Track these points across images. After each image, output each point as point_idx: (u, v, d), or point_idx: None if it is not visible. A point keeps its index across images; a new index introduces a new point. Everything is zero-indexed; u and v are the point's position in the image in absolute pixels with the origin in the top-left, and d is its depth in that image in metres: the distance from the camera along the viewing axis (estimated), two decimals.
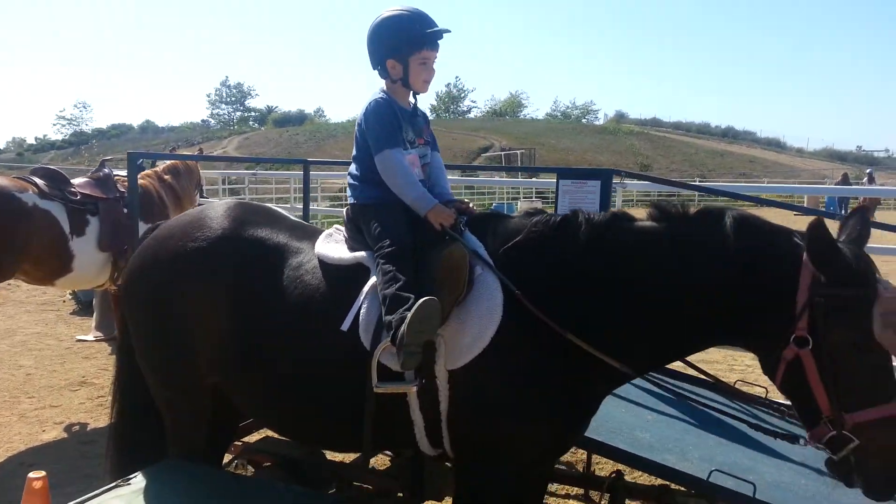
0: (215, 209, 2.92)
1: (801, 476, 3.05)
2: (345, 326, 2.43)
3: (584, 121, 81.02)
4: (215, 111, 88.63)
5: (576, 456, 4.58)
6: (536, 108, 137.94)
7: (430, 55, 2.66)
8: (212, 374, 2.74)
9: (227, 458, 3.65)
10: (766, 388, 4.34)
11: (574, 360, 2.31)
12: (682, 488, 3.34)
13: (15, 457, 4.73)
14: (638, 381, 3.83)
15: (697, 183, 19.81)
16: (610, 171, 4.22)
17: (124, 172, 6.33)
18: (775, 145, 67.04)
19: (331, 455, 3.79)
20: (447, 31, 2.66)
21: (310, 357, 2.53)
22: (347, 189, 2.75)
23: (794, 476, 3.04)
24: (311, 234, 2.79)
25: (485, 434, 2.38)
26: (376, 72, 2.75)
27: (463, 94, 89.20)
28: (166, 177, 6.35)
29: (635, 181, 6.08)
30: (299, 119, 75.24)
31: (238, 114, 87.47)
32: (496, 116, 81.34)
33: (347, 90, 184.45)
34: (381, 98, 2.69)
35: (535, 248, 2.41)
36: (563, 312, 2.29)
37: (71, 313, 9.25)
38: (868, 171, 30.90)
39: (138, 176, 6.29)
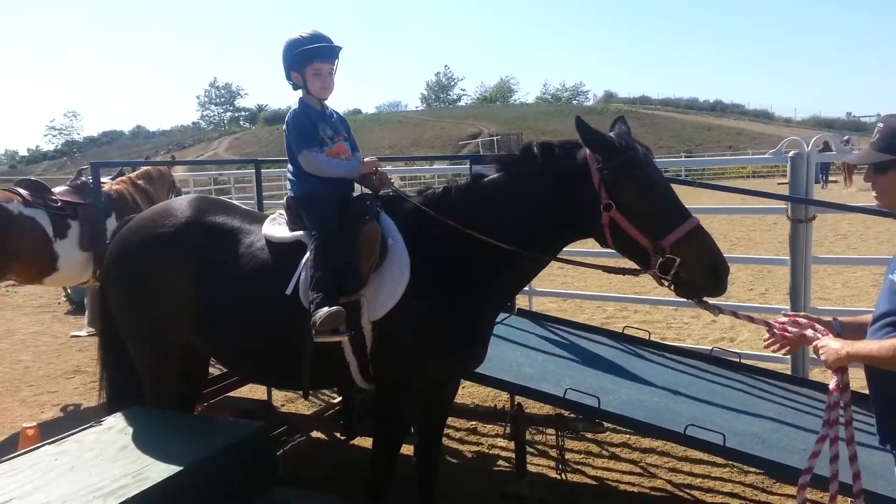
0: (178, 202, 3.55)
1: (654, 395, 3.71)
2: (288, 291, 3.06)
3: (574, 102, 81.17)
4: (205, 113, 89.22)
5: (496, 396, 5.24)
6: (527, 93, 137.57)
7: (322, 67, 3.23)
8: (184, 336, 3.37)
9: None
10: (648, 332, 5.01)
11: (464, 306, 2.99)
12: (574, 415, 4.01)
13: (17, 434, 5.41)
14: (536, 329, 4.51)
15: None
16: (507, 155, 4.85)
17: (105, 179, 6.99)
18: (763, 116, 67.50)
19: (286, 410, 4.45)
20: (336, 47, 3.27)
21: (263, 316, 3.15)
22: (288, 183, 3.37)
23: (648, 395, 3.70)
24: (259, 219, 3.41)
25: (399, 367, 3.06)
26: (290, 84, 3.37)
27: (452, 83, 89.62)
28: (140, 181, 7.00)
29: None
30: None
31: (228, 114, 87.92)
32: (486, 103, 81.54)
33: (339, 83, 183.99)
34: (296, 107, 3.28)
35: (425, 213, 3.07)
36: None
37: (66, 313, 9.91)
38: (845, 137, 31.41)
39: (115, 181, 6.97)
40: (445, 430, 5.29)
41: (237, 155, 47.41)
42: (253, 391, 5.53)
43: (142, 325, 3.42)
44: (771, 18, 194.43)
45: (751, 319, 2.82)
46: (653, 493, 4.24)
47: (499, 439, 4.99)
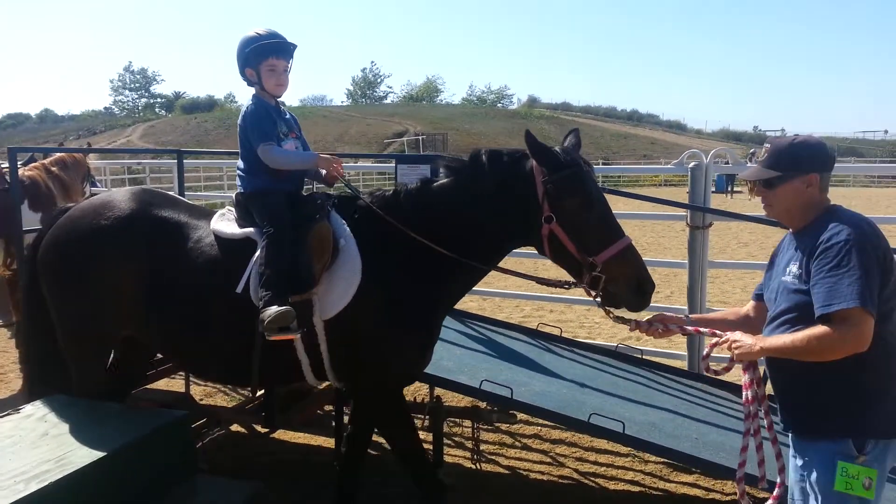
0: (122, 193, 3.44)
1: (563, 387, 3.97)
2: (239, 289, 3.05)
3: (498, 105, 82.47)
4: (118, 98, 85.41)
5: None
6: (453, 94, 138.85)
7: (277, 63, 3.24)
8: (125, 328, 3.32)
9: None
10: (560, 329, 5.31)
11: (414, 307, 3.06)
12: (490, 407, 4.22)
13: None
14: (456, 325, 4.69)
15: None
16: (438, 157, 5.04)
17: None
18: (676, 127, 70.72)
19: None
20: (292, 44, 3.29)
21: (211, 312, 3.13)
22: (237, 179, 3.33)
23: (557, 387, 3.96)
24: (207, 214, 3.37)
25: (355, 366, 3.12)
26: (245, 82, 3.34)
27: (379, 80, 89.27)
28: (53, 168, 6.78)
29: None
30: (208, 105, 73.42)
31: (143, 101, 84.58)
32: (412, 102, 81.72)
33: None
34: (253, 102, 3.29)
35: (375, 214, 3.13)
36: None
37: None
38: (751, 151, 33.31)
39: (27, 168, 6.72)
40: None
41: (152, 144, 45.63)
42: (172, 383, 5.48)
43: (79, 318, 3.34)
44: (690, 34, 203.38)
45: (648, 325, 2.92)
46: (560, 481, 4.51)
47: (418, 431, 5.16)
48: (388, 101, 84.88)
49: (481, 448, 4.73)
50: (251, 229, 3.16)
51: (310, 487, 4.20)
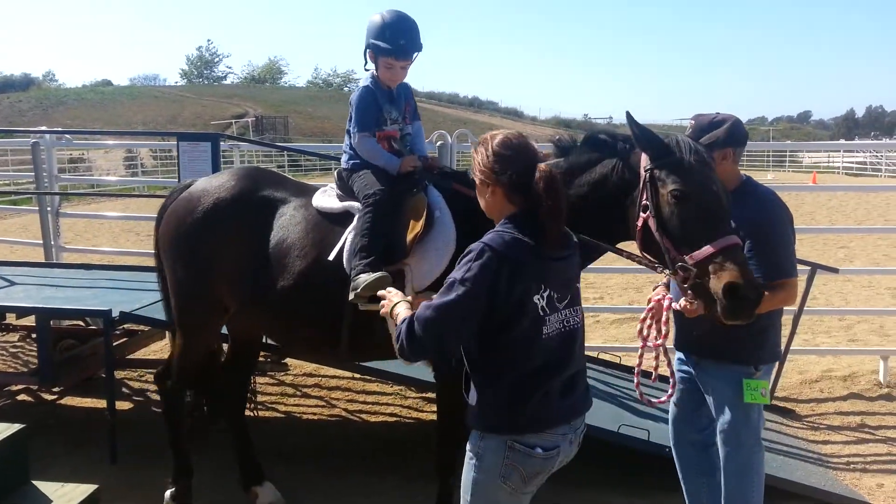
0: (235, 172, 3.58)
1: None
2: (331, 257, 3.10)
3: (345, 89, 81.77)
4: None
5: None
6: (297, 76, 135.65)
7: (395, 63, 3.22)
8: (231, 303, 3.43)
9: None
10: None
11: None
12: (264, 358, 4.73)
13: None
14: None
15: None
16: (217, 135, 5.49)
17: None
18: (514, 114, 74.04)
19: None
20: (409, 49, 3.19)
21: (306, 282, 3.18)
22: (343, 155, 3.38)
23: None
24: (309, 191, 3.46)
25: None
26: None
27: (217, 59, 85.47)
28: None
29: (243, 143, 7.59)
30: (24, 84, 67.01)
31: None
32: (254, 83, 79.15)
33: (85, 50, 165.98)
34: (366, 85, 3.29)
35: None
36: None
37: None
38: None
39: None
40: (132, 381, 5.77)
41: None
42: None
43: (189, 292, 3.48)
44: (532, 23, 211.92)
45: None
46: (330, 418, 5.18)
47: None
48: (228, 81, 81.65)
49: (261, 399, 5.28)
50: (351, 202, 3.22)
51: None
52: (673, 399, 3.26)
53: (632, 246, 2.81)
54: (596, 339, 6.99)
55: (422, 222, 3.03)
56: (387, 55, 3.19)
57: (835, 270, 5.25)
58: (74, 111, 48.34)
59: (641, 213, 2.60)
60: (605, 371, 5.24)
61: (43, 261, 6.29)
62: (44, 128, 9.51)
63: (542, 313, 2.11)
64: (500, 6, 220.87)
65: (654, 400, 3.11)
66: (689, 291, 2.52)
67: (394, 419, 5.16)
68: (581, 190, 2.81)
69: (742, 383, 2.98)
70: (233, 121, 45.00)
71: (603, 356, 5.59)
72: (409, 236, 3.02)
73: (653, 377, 3.15)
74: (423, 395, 5.29)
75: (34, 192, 6.69)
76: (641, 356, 3.14)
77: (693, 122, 2.99)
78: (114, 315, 4.20)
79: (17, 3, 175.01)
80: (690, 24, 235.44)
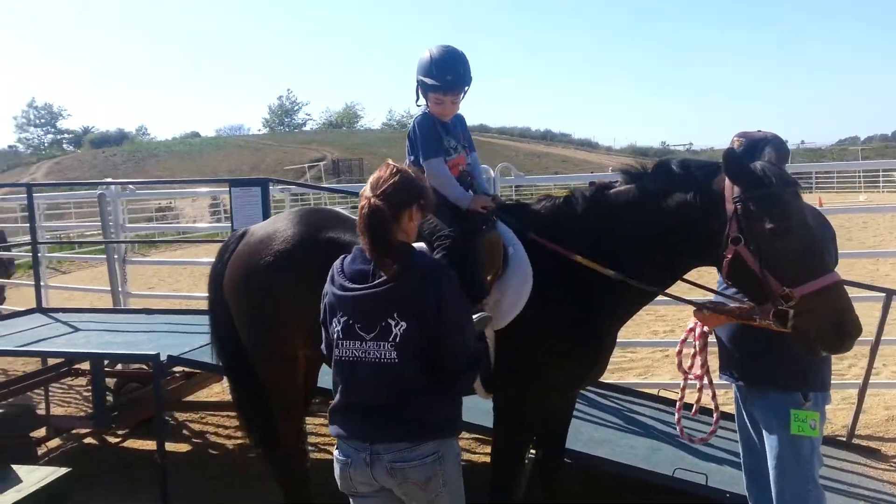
0: (291, 217, 3.46)
1: None
2: None
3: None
4: (23, 135, 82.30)
5: None
6: (373, 119, 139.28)
7: (444, 98, 3.19)
8: (304, 349, 3.35)
9: None
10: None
11: (585, 319, 2.92)
12: None
13: None
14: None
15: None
16: (267, 180, 5.64)
17: None
18: (587, 145, 73.36)
19: None
20: (462, 83, 3.18)
21: None
22: None
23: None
24: None
25: (519, 378, 3.00)
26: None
27: (297, 107, 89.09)
28: None
29: (291, 186, 7.88)
30: (118, 139, 71.69)
31: (50, 136, 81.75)
32: (332, 128, 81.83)
33: (175, 104, 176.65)
34: (424, 114, 3.26)
35: (550, 220, 3.07)
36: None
37: None
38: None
39: None
40: (193, 422, 5.84)
41: (57, 181, 44.34)
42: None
43: (261, 341, 3.41)
44: (597, 51, 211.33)
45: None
46: None
47: None
48: (308, 128, 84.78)
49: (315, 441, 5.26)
50: (420, 244, 3.04)
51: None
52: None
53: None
54: (664, 374, 6.66)
55: (500, 260, 2.98)
56: (435, 91, 3.19)
57: None
58: (164, 163, 51.24)
59: (732, 245, 2.56)
60: (665, 410, 4.95)
61: (110, 307, 6.57)
62: (109, 179, 10.02)
63: (335, 337, 2.39)
64: (568, 37, 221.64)
65: (695, 437, 2.93)
66: (787, 331, 2.50)
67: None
68: (656, 216, 2.78)
69: (790, 414, 2.77)
70: (307, 165, 46.57)
71: (665, 393, 5.30)
72: (489, 275, 2.95)
73: (693, 410, 2.96)
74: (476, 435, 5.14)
75: (107, 241, 7.00)
76: (684, 388, 2.97)
77: (740, 139, 2.90)
78: (162, 358, 4.30)
79: (110, 62, 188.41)
80: (768, 48, 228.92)
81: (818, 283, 2.42)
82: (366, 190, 2.44)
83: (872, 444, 4.92)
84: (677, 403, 2.94)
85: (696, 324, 2.84)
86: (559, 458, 3.50)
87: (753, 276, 2.55)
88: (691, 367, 2.94)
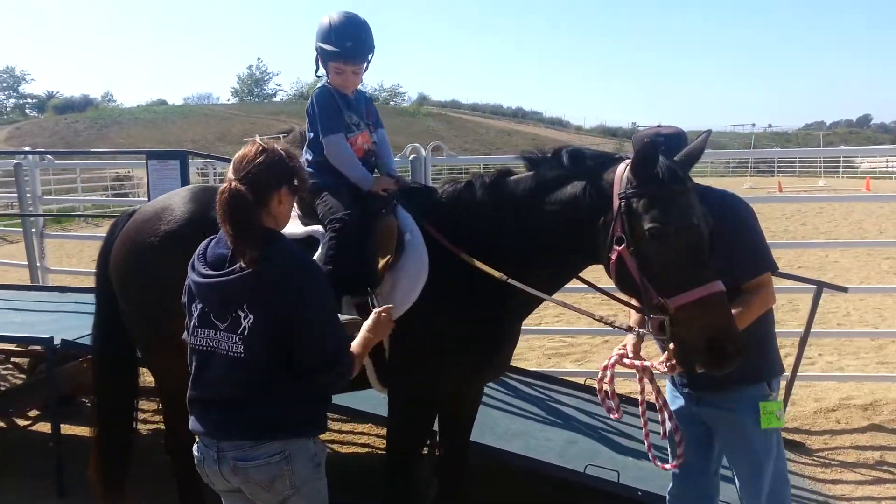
0: (182, 195, 3.19)
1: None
2: None
3: (390, 104, 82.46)
4: None
5: None
6: None
7: (345, 67, 3.00)
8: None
9: None
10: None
11: (486, 305, 2.75)
12: None
13: None
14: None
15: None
16: (185, 153, 5.37)
17: None
18: (558, 124, 73.27)
19: None
20: (357, 53, 2.98)
21: None
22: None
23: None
24: None
25: (413, 372, 2.85)
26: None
27: (267, 77, 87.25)
28: None
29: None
30: (83, 105, 69.60)
31: (12, 101, 79.14)
32: (303, 100, 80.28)
33: (143, 71, 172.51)
34: (322, 86, 3.07)
35: (449, 208, 2.88)
36: (470, 249, 2.73)
37: None
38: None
39: None
40: None
41: (16, 147, 42.98)
42: None
43: (147, 323, 3.16)
44: (571, 31, 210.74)
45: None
46: None
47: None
48: (278, 99, 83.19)
49: None
50: (315, 227, 2.96)
51: None
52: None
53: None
54: (601, 361, 6.54)
55: (393, 247, 2.79)
56: (335, 59, 3.01)
57: (843, 289, 4.75)
58: (128, 130, 49.87)
59: (615, 246, 2.33)
60: (589, 399, 4.82)
61: (27, 283, 6.25)
62: (27, 148, 9.61)
63: (192, 324, 2.25)
64: (542, 17, 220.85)
65: (667, 466, 2.72)
66: (671, 346, 2.29)
67: (365, 450, 4.88)
68: (551, 208, 2.60)
69: (758, 407, 2.56)
70: (274, 136, 45.72)
71: (591, 382, 5.18)
72: (381, 263, 2.76)
73: (662, 433, 2.66)
74: None
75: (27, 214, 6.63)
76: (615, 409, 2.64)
77: (636, 137, 2.69)
78: (56, 342, 4.04)
79: (77, 26, 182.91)
80: (739, 30, 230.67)
81: (694, 294, 2.19)
82: (228, 171, 2.22)
83: (798, 438, 4.87)
84: (643, 430, 2.73)
85: (651, 363, 2.50)
86: (462, 454, 3.33)
87: (635, 283, 2.33)
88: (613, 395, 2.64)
